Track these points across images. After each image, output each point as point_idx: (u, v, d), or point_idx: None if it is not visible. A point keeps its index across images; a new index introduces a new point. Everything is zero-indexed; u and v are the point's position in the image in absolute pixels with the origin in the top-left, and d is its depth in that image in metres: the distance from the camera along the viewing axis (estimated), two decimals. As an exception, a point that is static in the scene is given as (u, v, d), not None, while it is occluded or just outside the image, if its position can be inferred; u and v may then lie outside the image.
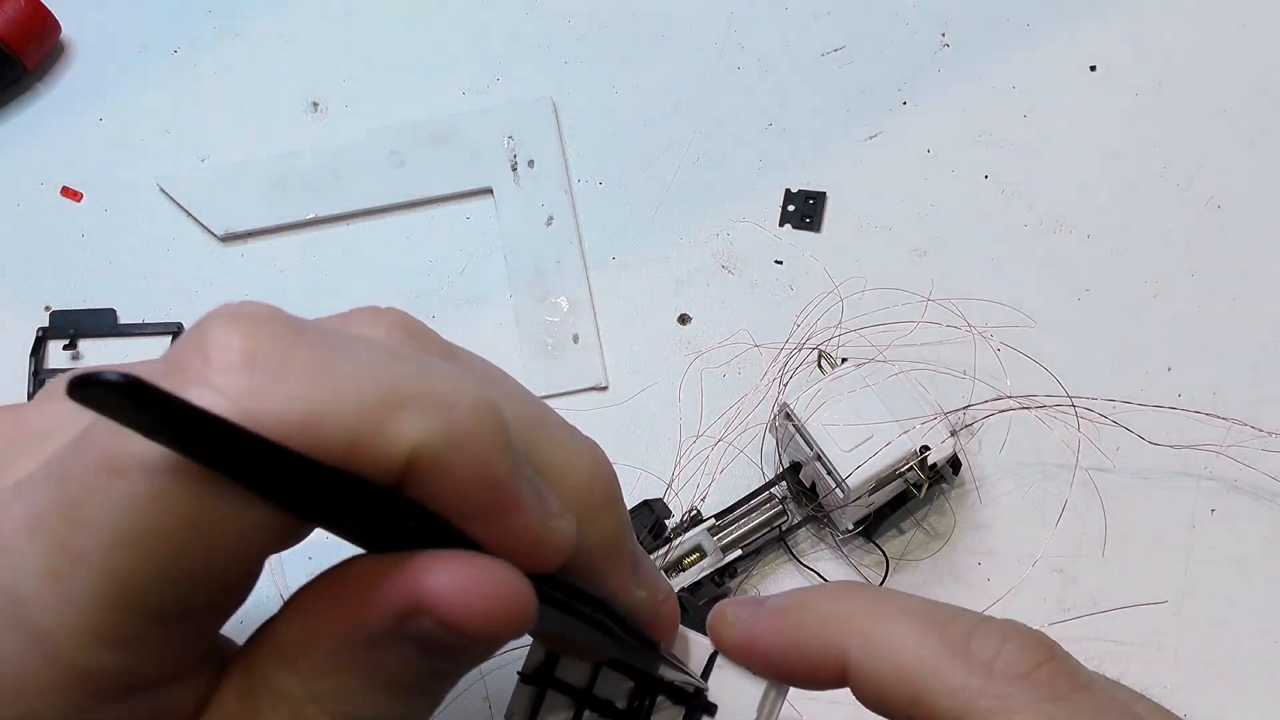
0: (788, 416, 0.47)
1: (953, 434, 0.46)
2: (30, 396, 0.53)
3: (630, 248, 0.55)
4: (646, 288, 0.54)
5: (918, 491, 0.46)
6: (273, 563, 0.50)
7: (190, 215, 0.56)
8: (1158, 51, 0.57)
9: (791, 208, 0.55)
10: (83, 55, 0.59)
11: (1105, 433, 0.49)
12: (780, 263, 0.54)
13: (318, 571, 0.47)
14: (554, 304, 0.54)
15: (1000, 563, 0.48)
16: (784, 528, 0.48)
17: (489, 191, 0.56)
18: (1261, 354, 0.52)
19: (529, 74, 0.58)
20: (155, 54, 0.59)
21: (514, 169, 0.56)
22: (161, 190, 0.56)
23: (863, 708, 0.30)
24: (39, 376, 0.53)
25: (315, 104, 0.58)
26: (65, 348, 0.54)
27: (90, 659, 0.23)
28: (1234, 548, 0.48)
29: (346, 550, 0.25)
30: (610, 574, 0.29)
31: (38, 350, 0.54)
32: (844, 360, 0.48)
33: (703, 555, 0.46)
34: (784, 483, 0.48)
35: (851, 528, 0.47)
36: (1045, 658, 0.28)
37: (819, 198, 0.55)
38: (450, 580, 0.24)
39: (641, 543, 0.46)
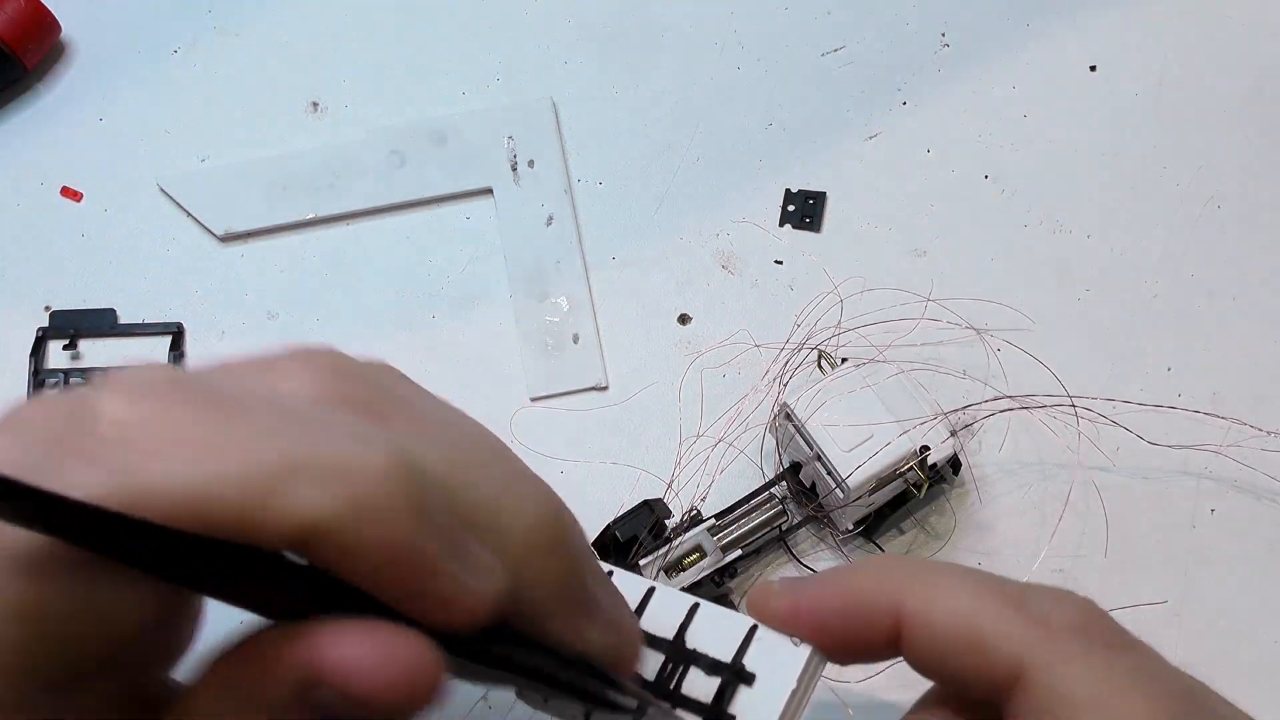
0: (788, 416, 0.47)
1: (953, 434, 0.46)
2: (30, 396, 0.53)
3: (630, 248, 0.55)
4: (646, 288, 0.54)
5: (918, 491, 0.46)
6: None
7: (190, 215, 0.56)
8: (1158, 51, 0.57)
9: (791, 208, 0.55)
10: (83, 55, 0.59)
11: (1105, 433, 0.49)
12: (780, 263, 0.54)
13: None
14: (554, 304, 0.54)
15: (1000, 563, 0.48)
16: (784, 528, 0.48)
17: (489, 191, 0.56)
18: (1261, 354, 0.52)
19: (529, 74, 0.58)
20: (155, 54, 0.59)
21: (514, 169, 0.56)
22: (161, 190, 0.56)
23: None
24: (39, 376, 0.53)
25: (315, 104, 0.58)
26: (65, 348, 0.54)
27: None
28: (1234, 548, 0.48)
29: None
30: (557, 621, 0.28)
31: (38, 350, 0.54)
32: (844, 360, 0.48)
33: (703, 555, 0.46)
34: (784, 483, 0.48)
35: (851, 528, 0.47)
36: (1096, 615, 0.30)
37: (819, 198, 0.55)
38: (347, 652, 0.23)
39: (641, 543, 0.46)
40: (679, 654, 0.33)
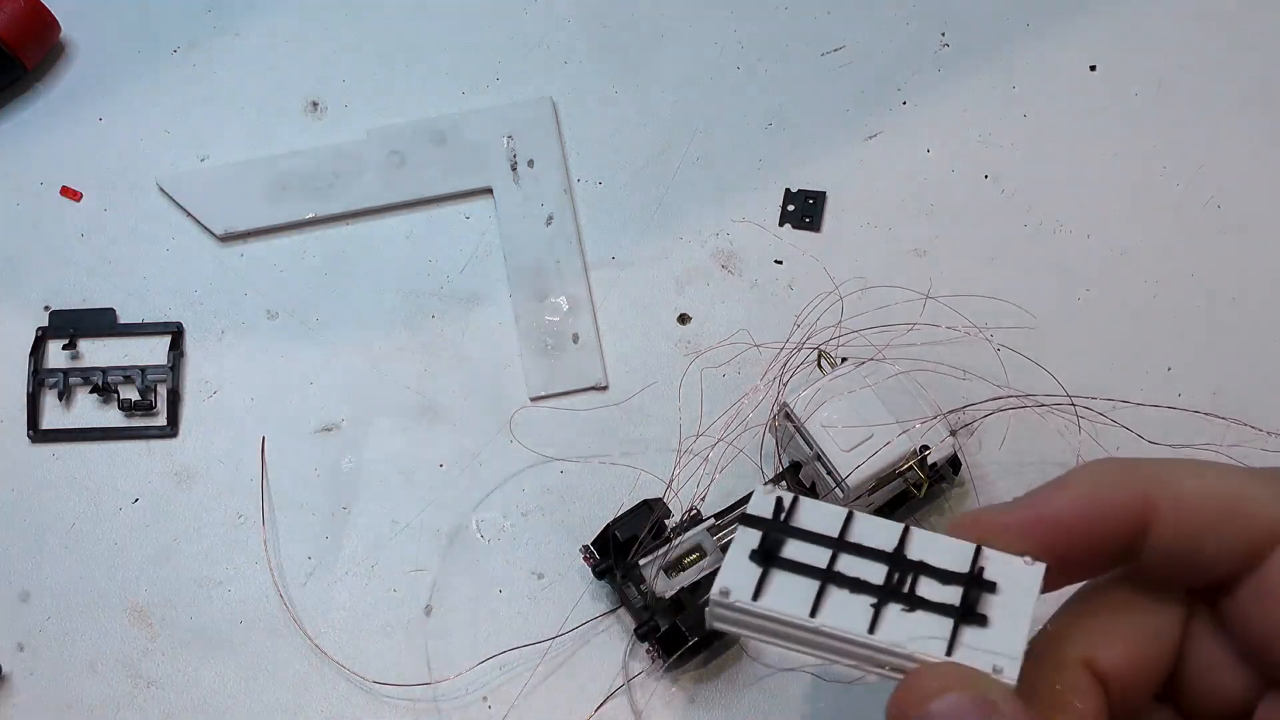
0: (788, 416, 0.47)
1: (952, 434, 0.46)
2: (30, 396, 0.53)
3: (630, 248, 0.55)
4: (646, 288, 0.54)
5: (917, 491, 0.46)
6: (270, 560, 0.50)
7: (190, 215, 0.56)
8: (1158, 51, 0.57)
9: (791, 208, 0.55)
10: (83, 55, 0.59)
11: (1105, 432, 0.49)
12: (780, 263, 0.54)
13: (316, 572, 0.47)
14: (554, 304, 0.54)
15: (1000, 563, 0.48)
16: (784, 528, 0.48)
17: (489, 191, 0.56)
18: (1261, 354, 0.52)
19: (529, 74, 0.58)
20: (155, 54, 0.59)
21: (514, 169, 0.56)
22: (161, 190, 0.56)
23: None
24: (39, 376, 0.53)
25: (315, 104, 0.58)
26: (65, 347, 0.54)
27: None
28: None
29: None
30: None
31: (37, 350, 0.54)
32: (844, 360, 0.48)
33: (703, 555, 0.46)
34: (784, 482, 0.48)
35: (851, 528, 0.47)
36: None
37: (819, 198, 0.55)
38: None
39: (641, 543, 0.46)
40: (904, 564, 0.32)
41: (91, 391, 0.53)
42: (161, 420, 0.53)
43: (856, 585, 0.31)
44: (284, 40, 0.59)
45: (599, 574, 0.47)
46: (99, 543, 0.51)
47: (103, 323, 0.54)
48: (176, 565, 0.51)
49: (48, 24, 0.57)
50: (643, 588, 0.46)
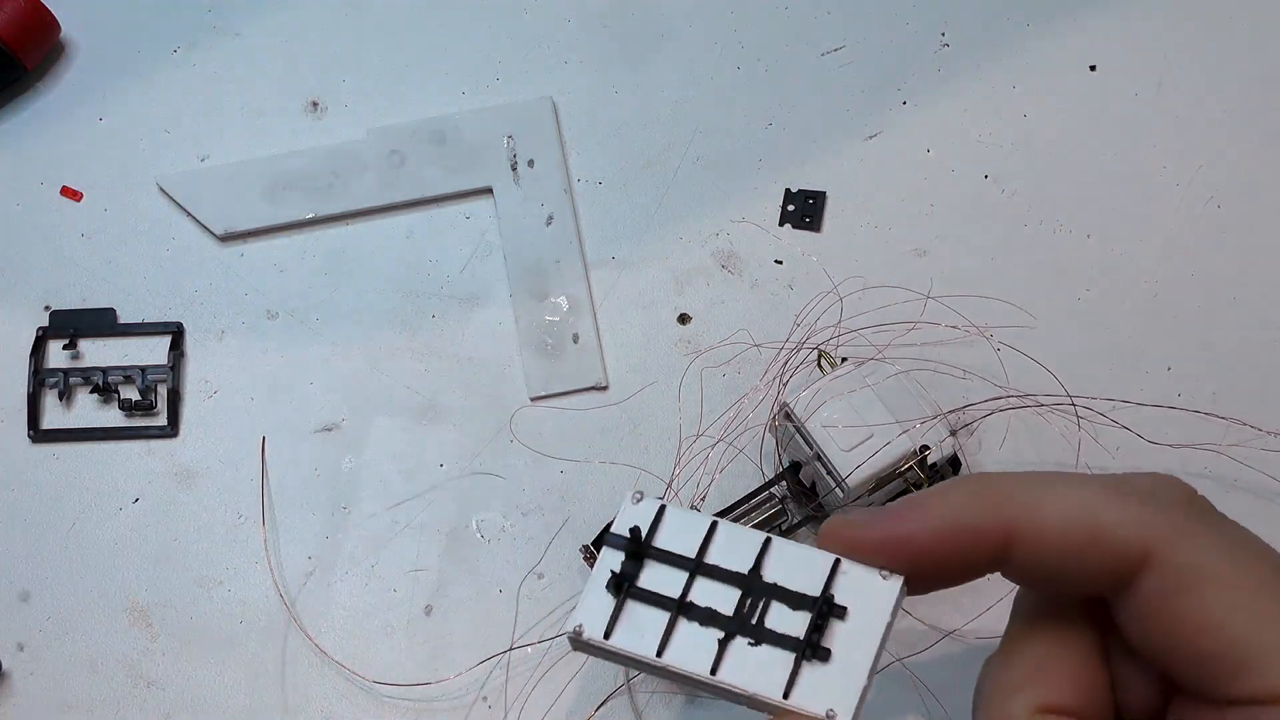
0: (788, 416, 0.47)
1: (952, 433, 0.46)
2: (30, 396, 0.53)
3: (630, 248, 0.55)
4: (646, 288, 0.54)
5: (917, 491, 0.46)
6: (270, 560, 0.50)
7: (190, 215, 0.56)
8: (1158, 51, 0.57)
9: (791, 208, 0.55)
10: (83, 55, 0.59)
11: (1105, 432, 0.49)
12: (780, 263, 0.54)
13: (316, 572, 0.47)
14: (554, 304, 0.54)
15: (1000, 563, 0.48)
16: (784, 527, 0.48)
17: (489, 191, 0.56)
18: (1261, 354, 0.52)
19: (529, 74, 0.58)
20: (155, 54, 0.59)
21: (514, 169, 0.56)
22: (161, 190, 0.56)
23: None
24: (39, 376, 0.53)
25: (315, 104, 0.58)
26: (65, 347, 0.54)
27: None
28: (1234, 548, 0.48)
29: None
30: None
31: (38, 350, 0.54)
32: (844, 360, 0.48)
33: (702, 555, 0.46)
34: (784, 482, 0.48)
35: (851, 527, 0.47)
36: (1194, 492, 0.30)
37: (819, 198, 0.55)
38: None
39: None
40: (757, 588, 0.32)
41: (92, 391, 0.53)
42: (162, 420, 0.53)
43: (706, 617, 0.32)
44: (284, 40, 0.59)
45: (599, 574, 0.47)
46: (99, 543, 0.51)
47: (103, 323, 0.54)
48: (176, 565, 0.51)
49: (48, 24, 0.57)
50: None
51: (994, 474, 0.32)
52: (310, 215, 0.55)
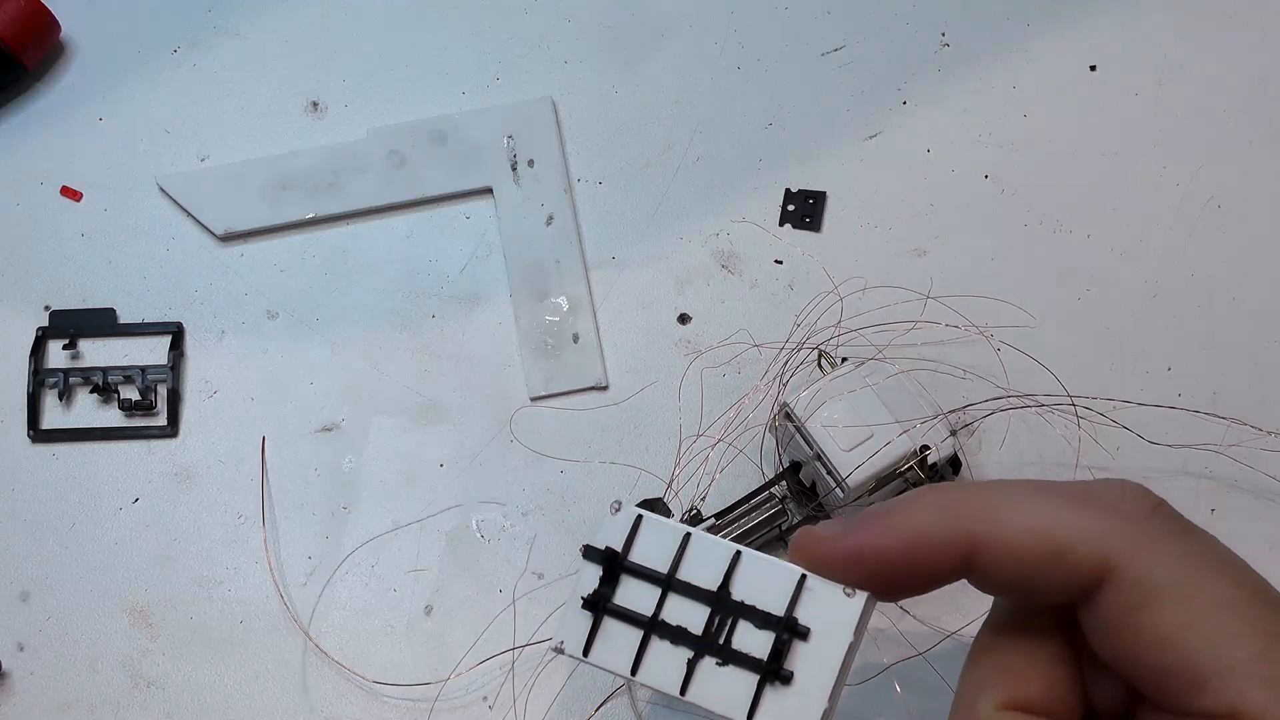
0: (788, 416, 0.47)
1: (952, 433, 0.46)
2: (30, 396, 0.53)
3: (630, 248, 0.55)
4: (646, 288, 0.54)
5: (918, 491, 0.46)
6: (270, 560, 0.50)
7: (190, 215, 0.56)
8: (1158, 51, 0.57)
9: (791, 208, 0.55)
10: (83, 55, 0.59)
11: (1105, 432, 0.49)
12: (780, 263, 0.54)
13: (316, 572, 0.47)
14: (554, 304, 0.54)
15: (1000, 563, 0.48)
16: (784, 527, 0.48)
17: (489, 191, 0.56)
18: (1261, 354, 0.52)
19: (529, 74, 0.58)
20: (155, 54, 0.59)
21: (514, 169, 0.56)
22: (161, 190, 0.56)
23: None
24: (39, 376, 0.53)
25: (315, 104, 0.58)
26: (65, 347, 0.54)
27: None
28: (1234, 548, 0.48)
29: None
30: None
31: (38, 350, 0.54)
32: (844, 360, 0.48)
33: (702, 555, 0.46)
34: (784, 482, 0.48)
35: (851, 527, 0.47)
36: (1160, 501, 0.30)
37: (819, 198, 0.55)
38: None
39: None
40: (725, 607, 0.32)
41: (92, 391, 0.53)
42: (162, 420, 0.53)
43: (677, 635, 0.32)
44: (284, 40, 0.59)
45: (599, 574, 0.47)
46: (99, 543, 0.51)
47: (103, 323, 0.54)
48: (176, 565, 0.51)
49: (48, 24, 0.57)
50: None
51: (958, 484, 0.33)
52: (310, 215, 0.55)
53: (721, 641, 0.32)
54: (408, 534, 0.50)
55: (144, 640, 0.50)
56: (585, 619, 0.33)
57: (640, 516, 0.34)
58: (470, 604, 0.50)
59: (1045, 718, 0.30)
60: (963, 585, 0.32)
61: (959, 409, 0.49)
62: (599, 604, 0.33)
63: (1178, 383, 0.51)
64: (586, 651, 0.33)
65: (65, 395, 0.53)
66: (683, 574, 0.33)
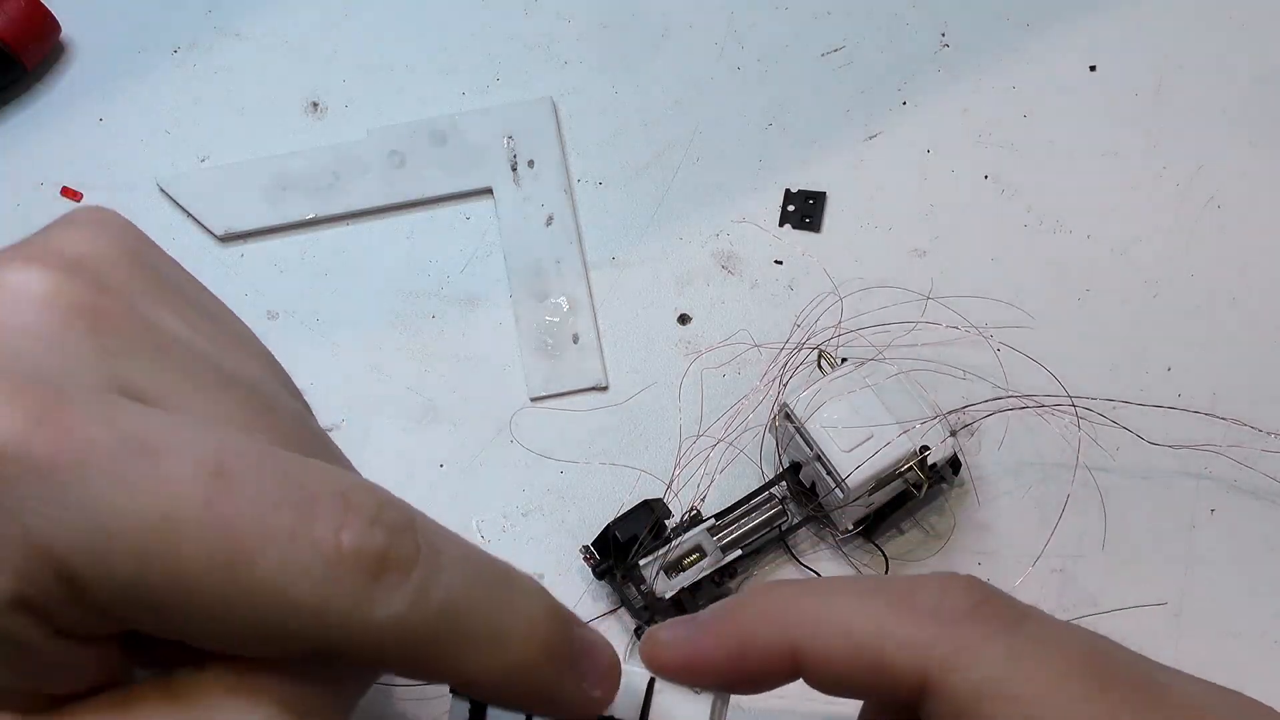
0: (788, 416, 0.47)
1: (952, 434, 0.46)
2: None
3: (630, 248, 0.55)
4: (646, 288, 0.54)
5: (917, 492, 0.46)
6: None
7: (190, 215, 0.56)
8: (1158, 51, 0.57)
9: (791, 208, 0.55)
10: (83, 55, 0.59)
11: (1105, 433, 0.49)
12: (780, 263, 0.54)
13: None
14: (554, 304, 0.54)
15: (1000, 563, 0.48)
16: (784, 528, 0.48)
17: (489, 191, 0.56)
18: (1261, 354, 0.52)
19: (529, 74, 0.58)
20: (155, 54, 0.59)
21: (514, 169, 0.56)
22: (161, 190, 0.56)
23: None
24: (39, 376, 0.53)
25: (315, 104, 0.58)
26: (65, 348, 0.54)
27: None
28: (1234, 548, 0.48)
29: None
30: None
31: (38, 350, 0.54)
32: (844, 360, 0.48)
33: (703, 555, 0.46)
34: (784, 483, 0.48)
35: (851, 528, 0.47)
36: (984, 596, 0.29)
37: (819, 198, 0.55)
38: None
39: (641, 543, 0.46)
40: None
41: (91, 392, 0.53)
42: (161, 420, 0.53)
43: None
44: (284, 40, 0.59)
45: (599, 574, 0.47)
46: (99, 543, 0.51)
47: (103, 323, 0.54)
48: (177, 565, 0.51)
49: (48, 24, 0.57)
50: (643, 588, 0.46)
51: (783, 585, 0.32)
52: (310, 215, 0.55)
53: None
54: (408, 534, 0.50)
55: (144, 640, 0.50)
56: None
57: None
58: (470, 604, 0.49)
59: None
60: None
61: (959, 409, 0.49)
62: None
63: (1177, 383, 0.51)
64: None
65: (65, 395, 0.53)
66: None
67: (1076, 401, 0.49)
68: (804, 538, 0.49)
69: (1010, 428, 0.50)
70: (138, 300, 0.27)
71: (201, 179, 0.56)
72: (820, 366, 0.48)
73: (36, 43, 0.57)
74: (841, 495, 0.45)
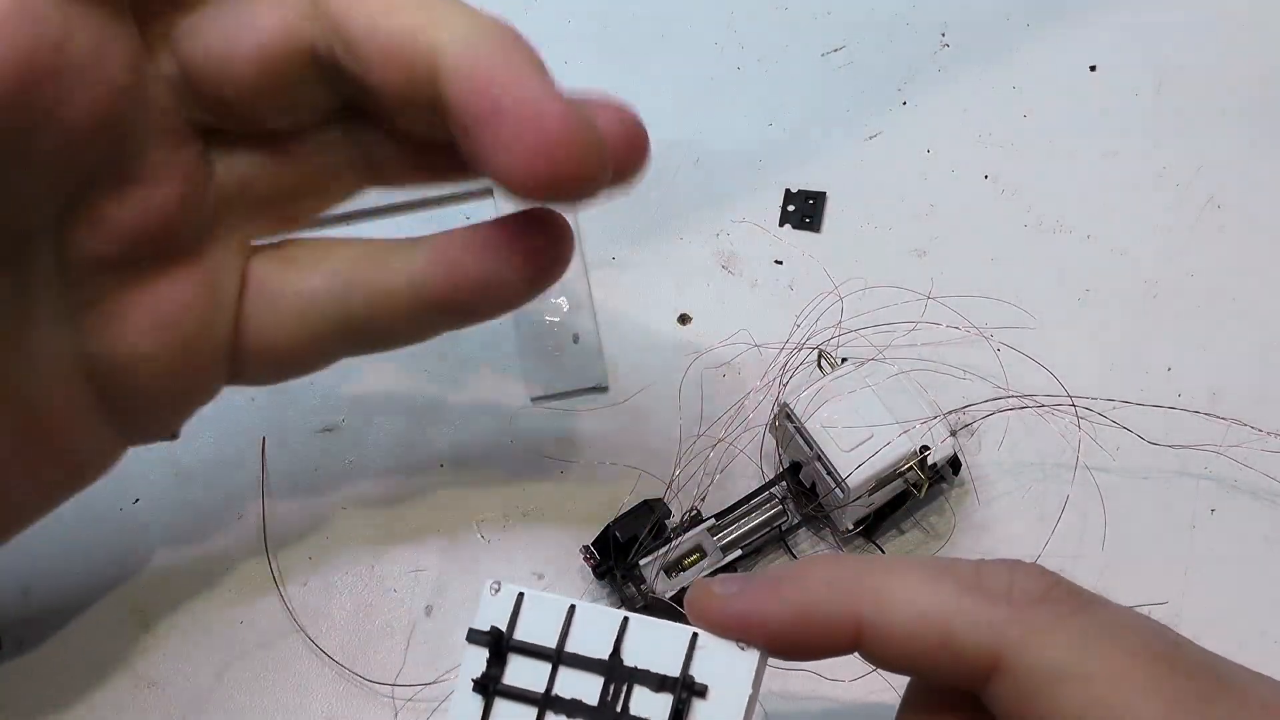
0: (788, 416, 0.47)
1: (952, 434, 0.46)
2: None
3: (630, 248, 0.55)
4: (646, 288, 0.54)
5: (918, 492, 0.46)
6: (270, 560, 0.50)
7: (190, 215, 0.56)
8: (1158, 51, 0.57)
9: (791, 208, 0.55)
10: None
11: (1105, 433, 0.49)
12: (780, 263, 0.54)
13: (317, 572, 0.47)
14: (554, 304, 0.54)
15: (1000, 563, 0.48)
16: (784, 528, 0.48)
17: (489, 192, 0.56)
18: (1261, 354, 0.52)
19: (529, 74, 0.58)
20: (155, 54, 0.59)
21: (514, 169, 0.56)
22: (161, 190, 0.56)
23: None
24: (39, 376, 0.53)
25: (315, 104, 0.58)
26: (65, 348, 0.54)
27: None
28: (1234, 548, 0.48)
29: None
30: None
31: (38, 350, 0.54)
32: (844, 360, 0.48)
33: (703, 555, 0.46)
34: (784, 483, 0.48)
35: (851, 528, 0.47)
36: (1054, 580, 0.30)
37: (819, 198, 0.55)
38: None
39: (641, 543, 0.46)
40: (619, 673, 0.32)
41: (91, 392, 0.53)
42: (162, 420, 0.53)
43: (573, 709, 0.32)
44: (284, 40, 0.59)
45: (599, 574, 0.47)
46: (99, 543, 0.51)
47: (103, 323, 0.54)
48: (177, 565, 0.51)
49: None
50: (643, 588, 0.46)
51: (853, 559, 0.32)
52: (310, 215, 0.55)
53: (619, 709, 0.32)
54: (408, 534, 0.50)
55: (144, 640, 0.50)
56: (477, 702, 0.33)
57: (522, 594, 0.34)
58: (471, 604, 0.49)
59: None
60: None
61: (959, 409, 0.49)
62: (489, 686, 0.33)
63: (1178, 383, 0.51)
64: None
65: (65, 395, 0.53)
66: (572, 646, 0.33)
67: (1076, 401, 0.49)
68: (804, 538, 0.49)
69: (1010, 428, 0.50)
70: None
71: (201, 179, 0.56)
72: (820, 366, 0.48)
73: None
74: (841, 495, 0.45)
